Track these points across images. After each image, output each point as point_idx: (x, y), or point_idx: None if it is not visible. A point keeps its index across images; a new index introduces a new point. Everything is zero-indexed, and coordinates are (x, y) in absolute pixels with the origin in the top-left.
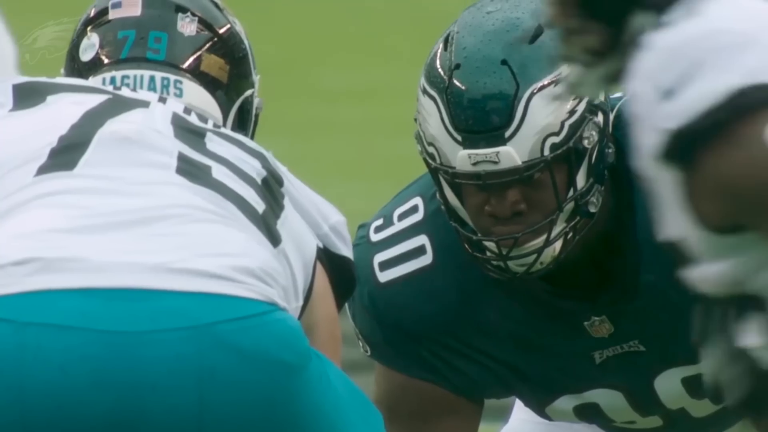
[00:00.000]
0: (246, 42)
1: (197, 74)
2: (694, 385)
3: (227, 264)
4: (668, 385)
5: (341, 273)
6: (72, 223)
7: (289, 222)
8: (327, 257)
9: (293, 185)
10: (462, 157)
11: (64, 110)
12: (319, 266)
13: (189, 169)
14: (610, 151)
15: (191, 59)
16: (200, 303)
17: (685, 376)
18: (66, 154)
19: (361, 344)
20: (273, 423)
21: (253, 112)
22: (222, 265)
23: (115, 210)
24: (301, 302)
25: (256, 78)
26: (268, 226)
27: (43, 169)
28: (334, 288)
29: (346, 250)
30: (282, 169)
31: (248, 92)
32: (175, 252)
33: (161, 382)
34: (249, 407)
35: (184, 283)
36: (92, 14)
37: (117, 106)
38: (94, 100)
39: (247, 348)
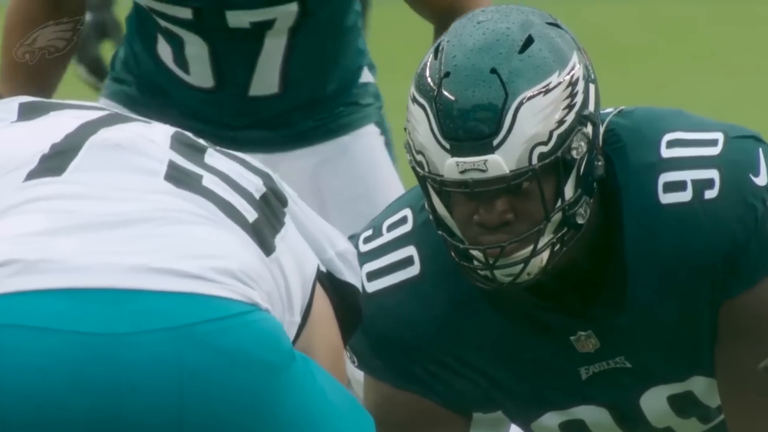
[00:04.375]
0: None
1: None
2: (679, 404)
3: (207, 265)
4: (654, 402)
5: (347, 303)
6: (53, 225)
7: (288, 239)
8: (332, 285)
9: (300, 209)
10: (450, 165)
11: (62, 122)
12: (320, 289)
13: (178, 176)
14: (599, 163)
15: None
16: (179, 303)
17: (671, 394)
18: (56, 159)
19: (348, 355)
20: (255, 423)
21: None
22: (202, 266)
23: (97, 213)
24: (297, 318)
25: None
26: (259, 234)
27: (32, 175)
28: (340, 320)
29: (353, 278)
30: (289, 191)
31: None
32: (155, 253)
33: (141, 384)
34: (230, 408)
35: (163, 284)
36: None
37: (116, 118)
38: (94, 115)
39: (227, 348)
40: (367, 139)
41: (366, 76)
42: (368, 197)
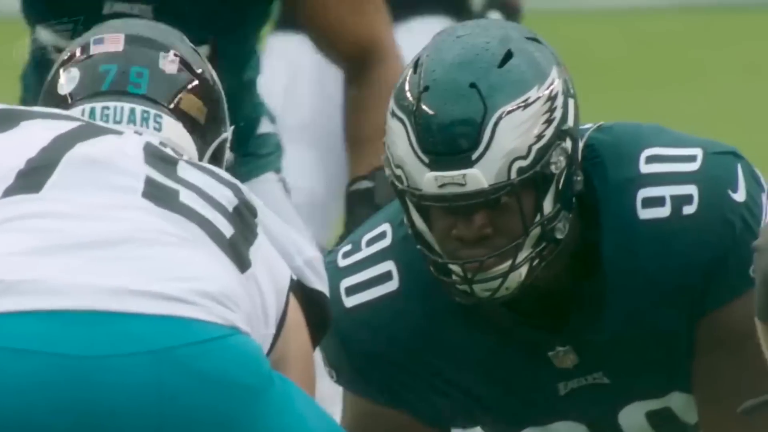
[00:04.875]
0: (219, 86)
1: (176, 112)
2: (658, 420)
3: (188, 287)
4: (632, 418)
5: (316, 309)
6: (34, 245)
7: (262, 250)
8: (301, 293)
9: (268, 218)
10: (429, 180)
11: (35, 134)
12: (292, 298)
13: (155, 193)
14: (578, 178)
15: (171, 97)
16: (160, 326)
17: (650, 410)
18: (33, 176)
19: (327, 370)
20: None
21: (225, 157)
22: (182, 288)
23: (77, 233)
24: (272, 330)
25: (229, 129)
26: (236, 250)
27: (9, 191)
28: (309, 324)
29: (321, 285)
30: (257, 202)
31: (224, 135)
32: (136, 275)
33: (120, 407)
34: (210, 431)
35: (144, 306)
36: (72, 52)
37: (89, 131)
38: (66, 126)
39: (207, 371)
40: (266, 185)
41: (265, 127)
42: None
